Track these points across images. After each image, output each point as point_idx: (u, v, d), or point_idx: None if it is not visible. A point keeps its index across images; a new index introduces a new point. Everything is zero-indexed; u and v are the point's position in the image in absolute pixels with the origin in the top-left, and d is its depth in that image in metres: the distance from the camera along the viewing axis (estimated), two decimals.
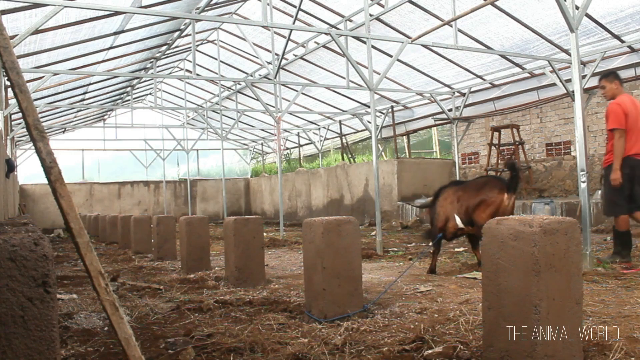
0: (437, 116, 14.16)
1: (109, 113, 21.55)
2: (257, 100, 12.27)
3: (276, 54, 11.24)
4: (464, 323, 3.10)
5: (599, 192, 9.45)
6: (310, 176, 18.03)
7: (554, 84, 10.42)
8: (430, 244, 5.52)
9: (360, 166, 15.60)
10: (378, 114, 15.44)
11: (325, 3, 11.44)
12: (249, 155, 25.58)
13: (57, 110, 16.67)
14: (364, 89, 10.69)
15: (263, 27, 10.39)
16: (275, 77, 10.66)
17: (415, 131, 16.60)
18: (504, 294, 2.20)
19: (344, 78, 12.77)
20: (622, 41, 9.97)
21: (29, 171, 20.73)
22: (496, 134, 12.80)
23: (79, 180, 21.70)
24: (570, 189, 11.94)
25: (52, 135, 20.74)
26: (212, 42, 15.45)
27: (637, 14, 9.42)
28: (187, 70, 17.46)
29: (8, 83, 10.41)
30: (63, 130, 20.68)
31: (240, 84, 16.33)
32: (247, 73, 16.12)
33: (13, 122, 14.87)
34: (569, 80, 8.78)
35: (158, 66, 16.17)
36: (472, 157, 14.58)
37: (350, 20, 11.30)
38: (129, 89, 17.78)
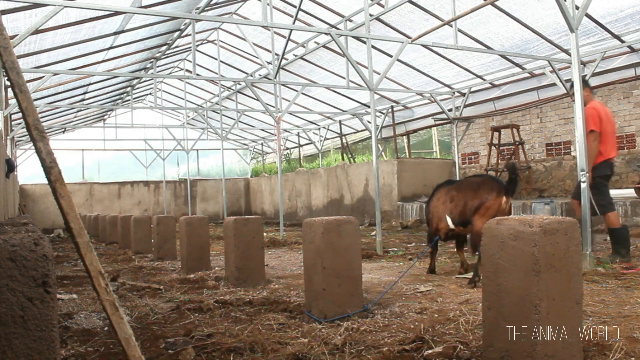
0: (437, 116, 14.16)
1: (109, 113, 21.56)
2: (257, 100, 12.26)
3: (276, 54, 11.24)
4: (464, 323, 3.10)
5: None
6: (310, 176, 18.02)
7: (554, 84, 10.42)
8: (427, 245, 5.50)
9: (360, 166, 15.60)
10: (378, 114, 15.44)
11: (325, 3, 11.44)
12: (249, 155, 25.59)
13: (57, 110, 16.67)
14: (364, 89, 10.69)
15: (263, 27, 10.39)
16: (275, 77, 10.65)
17: (415, 131, 16.61)
18: (504, 294, 2.20)
19: (344, 78, 12.76)
20: (622, 41, 9.97)
21: (29, 171, 20.74)
22: (496, 134, 12.80)
23: (79, 180, 21.70)
24: (570, 189, 11.93)
25: (52, 135, 20.74)
26: (212, 42, 15.45)
27: (637, 14, 9.42)
28: (187, 70, 17.46)
29: (8, 83, 10.41)
30: (63, 130, 20.68)
31: (240, 84, 16.32)
32: (247, 73, 16.13)
33: (13, 122, 14.87)
34: (569, 80, 8.78)
35: (158, 66, 16.17)
36: (472, 157, 14.58)
37: (350, 20, 11.30)
38: (129, 89, 17.78)
